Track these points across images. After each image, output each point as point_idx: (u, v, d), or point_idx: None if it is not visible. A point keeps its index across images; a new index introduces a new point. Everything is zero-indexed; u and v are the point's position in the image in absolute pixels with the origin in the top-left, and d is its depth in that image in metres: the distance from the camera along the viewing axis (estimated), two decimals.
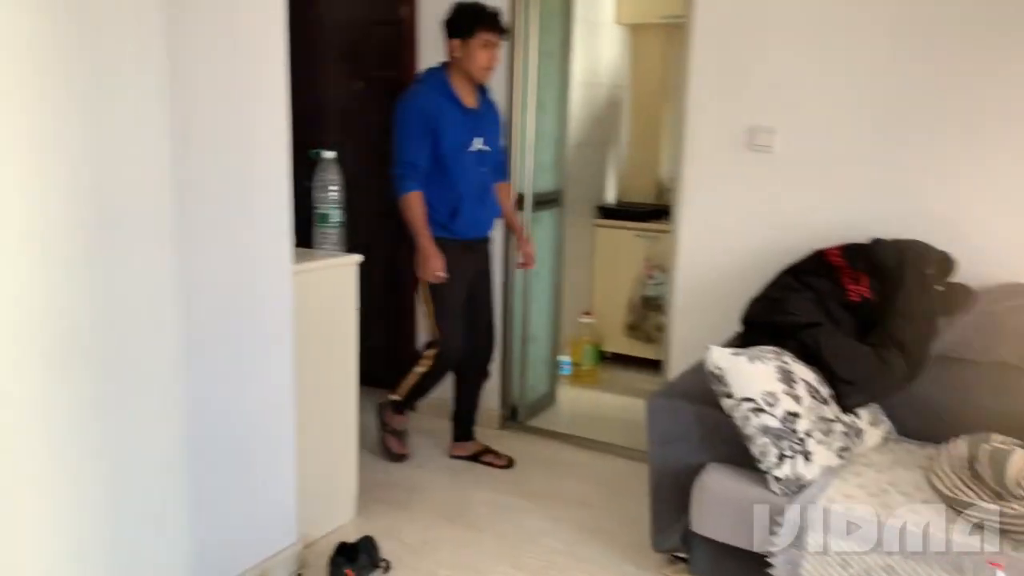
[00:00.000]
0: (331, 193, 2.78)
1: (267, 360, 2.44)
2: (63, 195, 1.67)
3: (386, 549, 2.75)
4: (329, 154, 2.81)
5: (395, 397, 3.51)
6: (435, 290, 3.30)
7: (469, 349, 3.46)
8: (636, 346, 4.78)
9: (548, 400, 4.28)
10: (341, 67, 4.28)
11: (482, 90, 3.36)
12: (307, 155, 2.83)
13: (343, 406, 2.90)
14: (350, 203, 4.30)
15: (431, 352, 3.39)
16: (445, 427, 3.69)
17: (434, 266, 3.22)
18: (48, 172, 1.65)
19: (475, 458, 3.57)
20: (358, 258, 2.81)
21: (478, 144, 3.27)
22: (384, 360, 4.32)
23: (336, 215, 2.80)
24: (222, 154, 2.21)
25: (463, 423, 3.62)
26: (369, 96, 4.23)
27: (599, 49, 4.68)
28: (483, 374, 3.60)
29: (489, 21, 3.16)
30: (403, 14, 3.86)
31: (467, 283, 3.39)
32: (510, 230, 3.66)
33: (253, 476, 2.47)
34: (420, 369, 3.43)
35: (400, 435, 3.57)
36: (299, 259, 2.63)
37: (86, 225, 1.72)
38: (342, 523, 2.97)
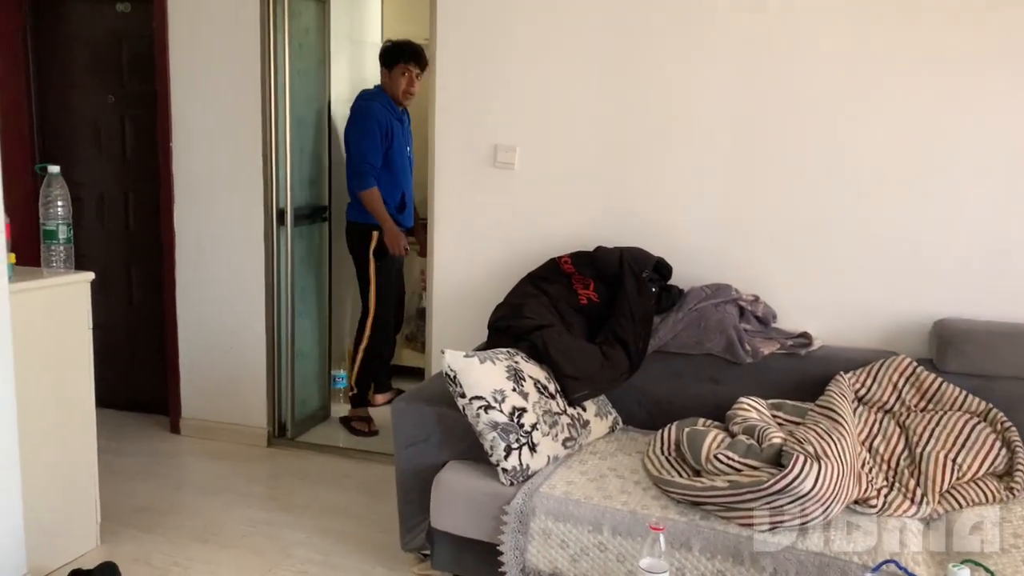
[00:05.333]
0: (58, 209, 2.67)
1: None
2: None
3: (133, 574, 2.67)
4: (54, 168, 2.71)
5: (351, 392, 4.18)
6: (379, 269, 4.01)
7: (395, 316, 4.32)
8: (415, 356, 4.87)
9: (321, 415, 4.28)
10: (92, 81, 4.12)
11: (406, 110, 4.10)
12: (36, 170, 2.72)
13: (79, 429, 2.79)
14: (100, 220, 4.17)
15: (369, 324, 4.06)
16: (214, 448, 3.67)
17: (403, 242, 3.98)
18: None
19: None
20: (89, 276, 2.72)
21: (409, 151, 4.12)
22: (135, 382, 4.21)
23: (64, 231, 2.70)
24: None
25: (384, 377, 4.37)
26: (121, 110, 4.10)
27: (366, 67, 4.76)
28: (397, 332, 4.45)
29: (407, 56, 3.92)
30: (155, 28, 3.77)
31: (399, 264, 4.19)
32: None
33: None
34: (363, 345, 4.10)
35: (366, 420, 4.15)
36: (22, 278, 2.53)
37: None
38: (84, 551, 2.85)
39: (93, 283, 2.78)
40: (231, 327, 3.90)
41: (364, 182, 3.85)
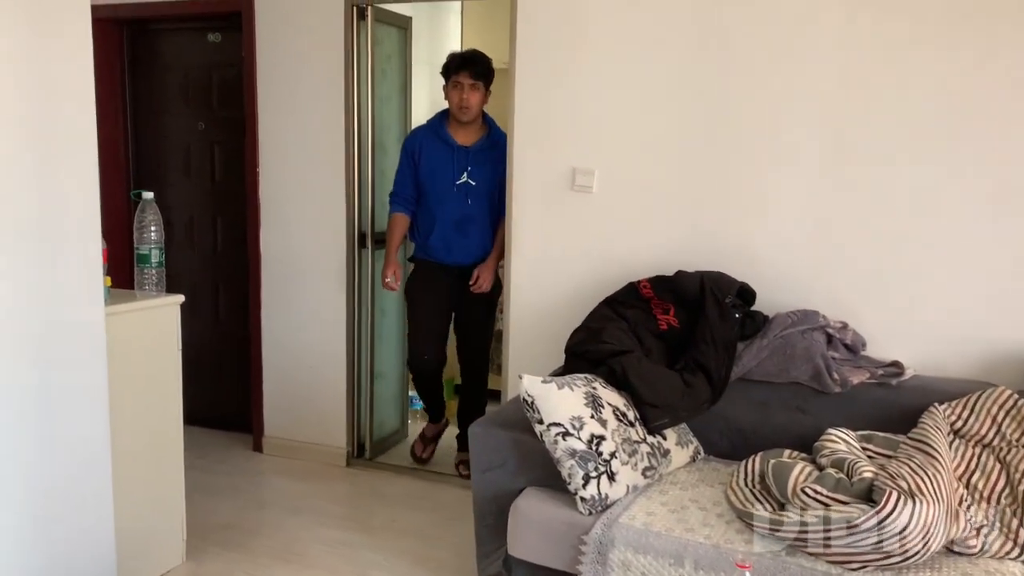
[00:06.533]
0: (151, 233, 2.77)
1: (79, 405, 2.40)
2: None
3: None
4: (148, 195, 2.81)
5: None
6: (408, 303, 3.84)
7: (463, 367, 3.95)
8: (491, 378, 4.86)
9: (398, 436, 4.32)
10: (183, 109, 4.28)
11: (491, 131, 3.70)
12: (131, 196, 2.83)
13: (167, 447, 2.87)
14: (190, 242, 4.31)
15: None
16: (295, 467, 3.75)
17: (383, 274, 3.76)
18: None
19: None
20: (179, 298, 2.80)
21: (464, 178, 3.61)
22: (219, 400, 4.31)
23: (156, 255, 2.79)
24: (23, 201, 2.18)
25: (460, 434, 3.95)
26: (210, 136, 4.24)
27: None
28: (475, 391, 3.98)
29: (455, 66, 3.57)
30: (244, 56, 3.90)
31: (445, 303, 3.79)
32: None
33: (66, 523, 2.41)
34: (411, 376, 4.02)
35: (424, 440, 4.03)
36: (117, 300, 2.62)
37: None
38: (170, 568, 2.93)
39: (182, 304, 2.86)
40: (313, 347, 3.97)
41: (390, 207, 3.77)
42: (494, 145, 3.64)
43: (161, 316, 2.76)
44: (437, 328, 3.82)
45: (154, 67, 4.31)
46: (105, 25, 4.09)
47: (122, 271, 3.25)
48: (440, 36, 4.80)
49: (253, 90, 3.90)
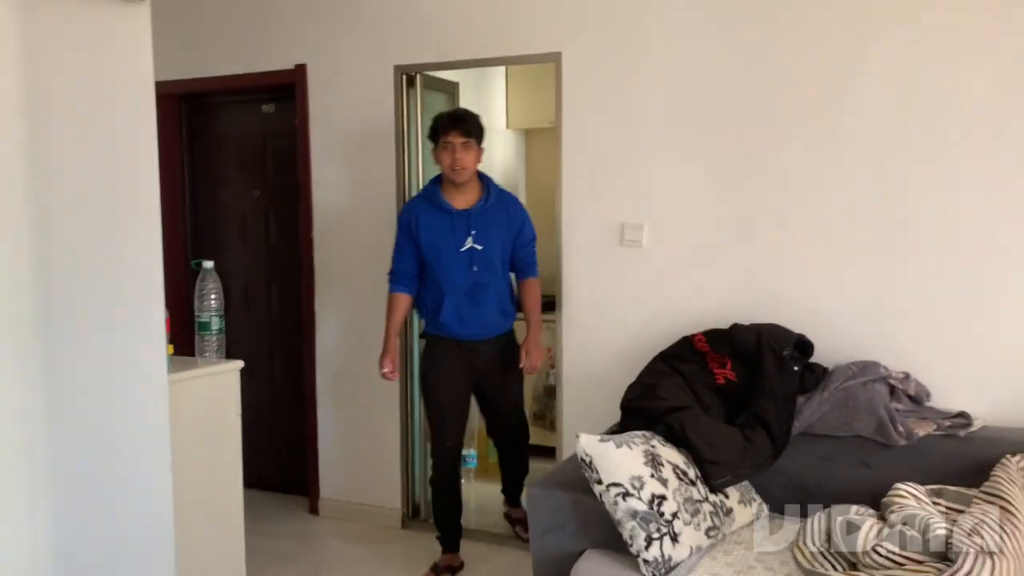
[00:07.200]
0: (211, 301, 2.84)
1: (143, 471, 2.43)
2: None
3: None
4: (208, 264, 2.88)
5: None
6: (424, 386, 3.49)
7: (499, 438, 3.68)
8: (542, 435, 4.82)
9: None
10: (239, 177, 4.40)
11: (489, 191, 3.35)
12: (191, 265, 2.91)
13: (228, 511, 2.89)
14: (247, 307, 4.38)
15: (430, 451, 3.55)
16: (351, 530, 3.74)
17: (381, 363, 3.37)
18: None
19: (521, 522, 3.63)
20: (238, 364, 2.85)
21: (469, 243, 3.28)
22: (275, 463, 4.34)
23: (216, 323, 2.86)
24: (89, 271, 2.25)
25: (509, 490, 3.77)
26: (265, 203, 4.35)
27: (492, 152, 4.88)
28: (517, 451, 3.70)
29: (443, 125, 3.28)
30: (297, 125, 4.01)
31: (467, 382, 3.42)
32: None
33: None
34: (431, 475, 3.55)
35: (437, 570, 3.43)
36: (179, 368, 2.67)
37: None
38: None
39: (241, 368, 2.91)
40: (367, 408, 3.98)
41: (389, 286, 3.42)
42: (495, 205, 3.35)
43: (221, 382, 2.82)
44: (460, 410, 3.48)
45: (211, 138, 4.46)
46: (164, 100, 4.25)
47: (183, 336, 3.32)
48: (486, 99, 4.89)
49: (307, 157, 4.00)
